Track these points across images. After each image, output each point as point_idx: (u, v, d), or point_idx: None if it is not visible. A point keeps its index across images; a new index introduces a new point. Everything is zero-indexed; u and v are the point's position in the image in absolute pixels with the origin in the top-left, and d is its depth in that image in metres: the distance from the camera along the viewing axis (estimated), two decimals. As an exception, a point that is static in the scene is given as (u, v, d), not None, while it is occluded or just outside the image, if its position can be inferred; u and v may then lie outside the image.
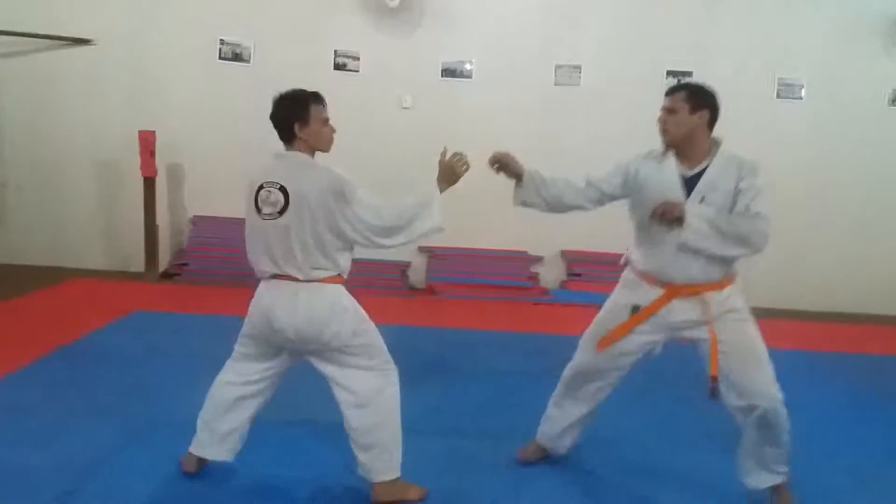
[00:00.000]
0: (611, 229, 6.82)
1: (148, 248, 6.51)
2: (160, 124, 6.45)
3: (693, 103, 2.60)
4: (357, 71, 6.67)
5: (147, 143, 6.27)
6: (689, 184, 2.62)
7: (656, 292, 2.70)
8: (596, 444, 3.26)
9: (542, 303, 6.54)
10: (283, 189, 2.53)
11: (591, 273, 6.67)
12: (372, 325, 2.73)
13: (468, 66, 6.70)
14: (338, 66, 6.66)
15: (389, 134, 6.63)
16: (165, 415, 3.42)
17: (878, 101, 6.67)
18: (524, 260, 6.89)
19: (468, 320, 5.75)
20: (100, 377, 3.90)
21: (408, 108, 6.71)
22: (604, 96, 6.61)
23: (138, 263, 6.63)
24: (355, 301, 2.70)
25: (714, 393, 2.66)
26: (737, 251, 2.59)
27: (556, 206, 2.88)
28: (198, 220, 6.85)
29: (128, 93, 6.65)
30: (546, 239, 6.77)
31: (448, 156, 2.76)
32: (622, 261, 2.91)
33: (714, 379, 2.65)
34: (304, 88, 2.65)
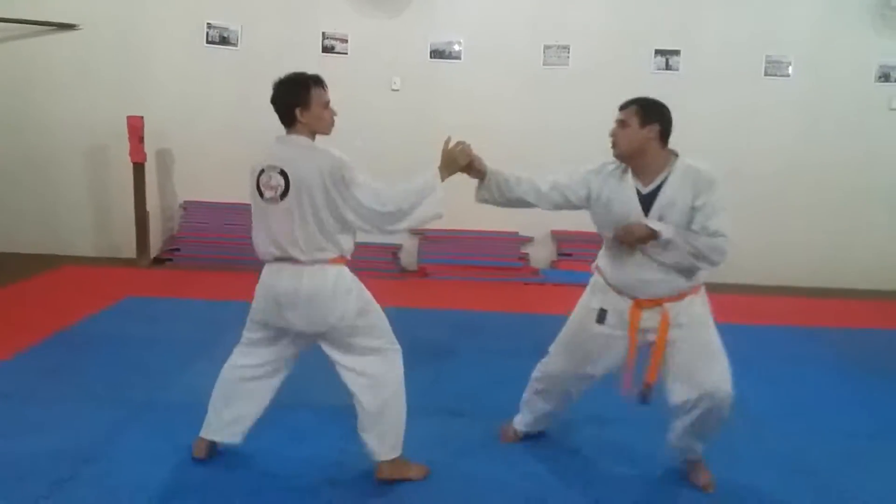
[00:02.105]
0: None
1: (139, 234, 6.50)
2: (148, 110, 6.41)
3: (643, 118, 2.61)
4: (345, 53, 6.64)
5: (135, 128, 6.23)
6: (647, 200, 2.62)
7: (624, 301, 2.73)
8: (587, 425, 3.31)
9: (533, 283, 6.58)
10: (283, 173, 2.54)
11: (581, 253, 6.69)
12: (376, 305, 2.76)
13: (457, 48, 6.68)
14: (326, 49, 6.63)
15: (379, 116, 6.62)
16: (160, 400, 3.44)
17: (865, 78, 6.70)
18: (515, 241, 6.92)
19: (460, 301, 5.79)
20: (94, 363, 3.92)
21: (397, 90, 6.69)
22: (592, 76, 6.61)
23: (129, 249, 6.62)
24: (359, 281, 2.73)
25: (644, 398, 2.74)
26: (695, 265, 2.61)
27: (516, 205, 2.94)
28: (188, 206, 6.84)
29: (115, 78, 6.60)
30: (536, 220, 6.76)
31: (451, 144, 2.76)
32: (592, 267, 2.95)
33: (647, 385, 2.73)
34: (304, 72, 2.65)
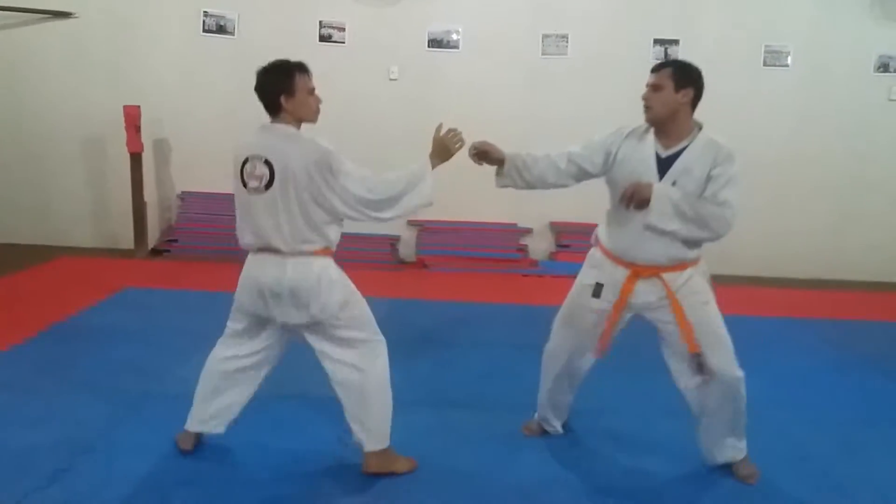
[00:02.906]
0: (599, 201, 6.88)
1: (136, 224, 6.48)
2: (145, 99, 6.38)
3: (678, 81, 2.57)
4: (343, 42, 6.60)
5: (132, 118, 6.20)
6: (664, 164, 2.61)
7: (620, 272, 2.72)
8: (584, 415, 3.31)
9: (532, 274, 6.58)
10: (267, 162, 2.51)
11: (579, 244, 6.68)
12: (360, 296, 2.74)
13: (455, 37, 6.64)
14: (323, 38, 6.59)
15: (376, 105, 6.60)
16: (158, 390, 3.44)
17: (864, 68, 6.67)
18: (514, 232, 6.91)
19: (458, 293, 5.78)
20: (92, 354, 3.91)
21: (395, 80, 6.66)
22: (591, 66, 6.59)
23: (127, 240, 6.60)
24: (343, 273, 2.71)
25: (701, 368, 2.70)
26: (698, 234, 2.60)
27: (539, 186, 2.90)
28: (186, 196, 6.81)
29: (111, 67, 6.56)
30: (535, 211, 6.79)
31: (443, 131, 2.75)
32: (592, 239, 2.93)
33: (697, 354, 2.68)
34: (288, 59, 2.63)
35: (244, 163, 2.56)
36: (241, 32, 6.55)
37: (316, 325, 2.65)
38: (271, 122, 2.63)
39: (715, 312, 2.73)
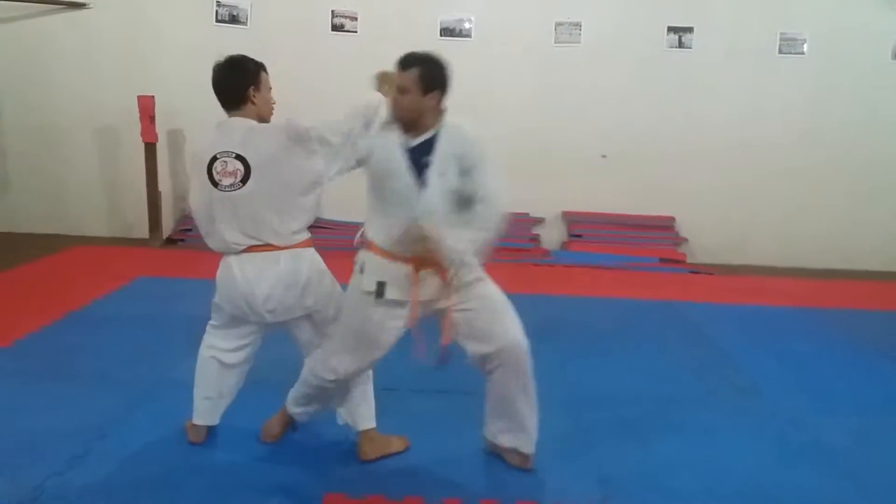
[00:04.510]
0: (610, 190, 6.88)
1: (151, 214, 6.53)
2: (158, 89, 6.41)
3: (425, 87, 2.48)
4: (355, 31, 6.60)
5: (146, 108, 6.24)
6: (413, 154, 2.51)
7: (400, 267, 2.55)
8: (590, 403, 3.32)
9: (544, 264, 6.56)
10: (239, 157, 2.46)
11: (591, 234, 6.68)
12: (339, 286, 2.74)
13: (467, 25, 6.62)
14: (335, 27, 6.59)
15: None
16: (172, 378, 3.46)
17: (881, 56, 6.60)
18: (526, 222, 6.90)
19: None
20: (106, 343, 3.95)
21: (407, 70, 6.64)
22: (604, 54, 6.54)
23: (142, 230, 6.65)
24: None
25: (442, 361, 2.59)
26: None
27: None
28: (199, 186, 6.84)
29: (125, 58, 6.60)
30: (547, 200, 6.77)
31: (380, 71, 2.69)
32: (355, 242, 2.70)
33: (444, 347, 2.60)
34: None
35: (211, 162, 2.50)
36: (253, 22, 6.57)
37: (303, 317, 2.66)
38: (230, 117, 2.58)
39: (493, 287, 2.70)
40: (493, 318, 2.64)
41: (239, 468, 2.68)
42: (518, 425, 2.73)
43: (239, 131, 2.53)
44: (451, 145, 2.50)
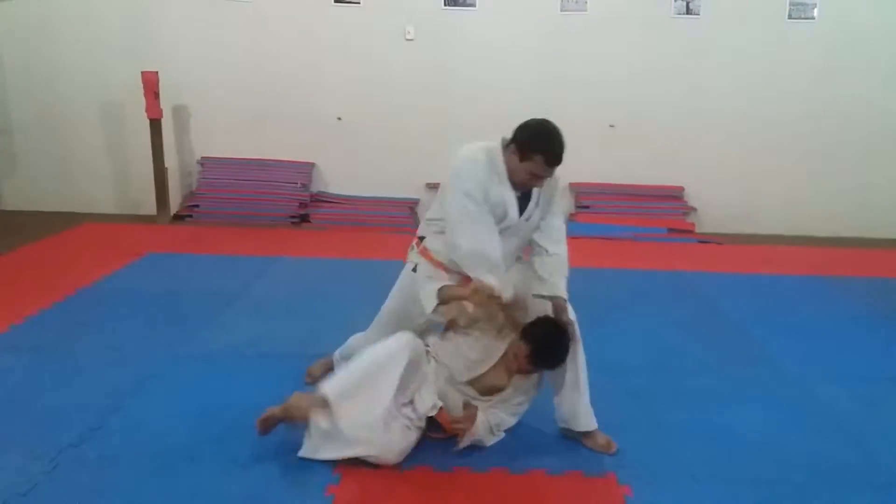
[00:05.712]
0: (618, 161, 6.83)
1: (158, 190, 6.53)
2: (163, 65, 6.37)
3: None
4: (358, 3, 6.50)
5: (151, 84, 6.21)
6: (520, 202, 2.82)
7: (454, 278, 2.72)
8: (599, 373, 3.32)
9: (552, 235, 6.53)
10: None
11: (599, 205, 6.64)
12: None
13: (472, -5, 6.54)
14: (338, -1, 6.52)
15: (393, 66, 6.52)
16: (183, 353, 3.51)
17: (893, 21, 6.49)
18: (533, 193, 6.86)
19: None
20: (117, 319, 3.98)
21: (411, 40, 6.58)
22: (611, 22, 6.44)
23: (149, 206, 6.66)
24: None
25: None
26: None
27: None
28: (206, 162, 6.83)
29: (128, 33, 6.55)
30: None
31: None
32: (414, 254, 2.88)
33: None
34: None
35: None
36: (256, -5, 6.50)
37: None
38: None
39: None
40: None
41: (258, 440, 2.70)
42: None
43: None
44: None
